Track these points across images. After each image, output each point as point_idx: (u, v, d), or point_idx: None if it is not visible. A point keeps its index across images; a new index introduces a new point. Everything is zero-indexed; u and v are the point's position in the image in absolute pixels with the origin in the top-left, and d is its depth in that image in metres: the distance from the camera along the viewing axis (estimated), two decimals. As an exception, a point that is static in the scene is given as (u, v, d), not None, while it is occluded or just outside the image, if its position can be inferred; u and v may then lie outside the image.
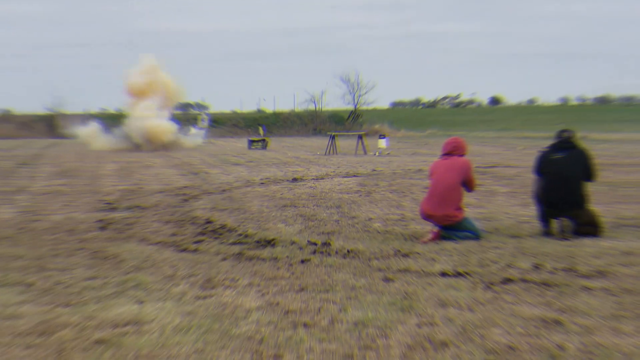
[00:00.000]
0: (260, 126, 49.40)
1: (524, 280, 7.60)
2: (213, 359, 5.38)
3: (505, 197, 15.01)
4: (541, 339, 5.73)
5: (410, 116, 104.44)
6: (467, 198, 13.27)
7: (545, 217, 10.54)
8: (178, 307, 6.69)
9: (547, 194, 10.46)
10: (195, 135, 46.23)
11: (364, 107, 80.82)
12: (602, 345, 5.58)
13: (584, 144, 10.82)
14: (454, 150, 10.49)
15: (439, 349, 5.51)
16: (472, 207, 13.12)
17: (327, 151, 33.34)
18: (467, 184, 10.43)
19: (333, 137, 34.15)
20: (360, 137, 34.40)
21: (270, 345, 5.62)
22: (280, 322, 6.21)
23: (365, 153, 32.59)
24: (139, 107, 44.50)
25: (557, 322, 6.14)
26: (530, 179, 17.94)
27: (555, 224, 10.47)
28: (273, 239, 10.18)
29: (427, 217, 10.44)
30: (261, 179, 19.65)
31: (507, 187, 16.85)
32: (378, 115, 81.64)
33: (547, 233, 10.45)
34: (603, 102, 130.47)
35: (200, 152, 34.49)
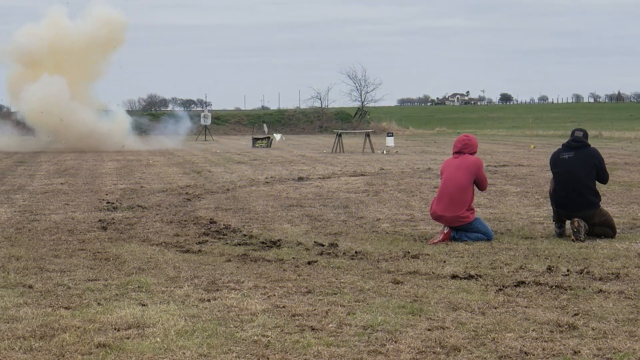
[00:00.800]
0: (265, 123, 48.79)
1: (537, 283, 7.51)
2: (217, 364, 5.28)
3: (517, 198, 14.85)
4: (555, 343, 5.64)
5: (419, 114, 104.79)
6: (478, 198, 13.23)
7: (558, 217, 10.38)
8: (181, 310, 6.61)
9: (557, 194, 10.32)
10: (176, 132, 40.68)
11: (371, 105, 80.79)
12: (617, 350, 5.49)
13: (590, 144, 10.61)
14: (464, 149, 10.31)
15: (450, 354, 5.43)
16: (483, 208, 13.04)
17: (334, 149, 33.23)
18: (478, 184, 10.26)
19: (339, 135, 34.03)
20: (367, 135, 34.26)
21: (277, 350, 5.54)
22: (286, 326, 6.13)
23: (372, 151, 32.46)
24: (35, 87, 33.38)
25: (572, 327, 6.06)
26: (542, 178, 17.93)
27: (568, 225, 10.30)
28: (278, 240, 10.07)
29: (437, 218, 10.28)
30: (266, 178, 19.54)
31: (518, 187, 16.69)
32: (385, 112, 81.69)
33: (561, 234, 10.29)
34: (616, 99, 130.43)
35: (203, 151, 34.38)
